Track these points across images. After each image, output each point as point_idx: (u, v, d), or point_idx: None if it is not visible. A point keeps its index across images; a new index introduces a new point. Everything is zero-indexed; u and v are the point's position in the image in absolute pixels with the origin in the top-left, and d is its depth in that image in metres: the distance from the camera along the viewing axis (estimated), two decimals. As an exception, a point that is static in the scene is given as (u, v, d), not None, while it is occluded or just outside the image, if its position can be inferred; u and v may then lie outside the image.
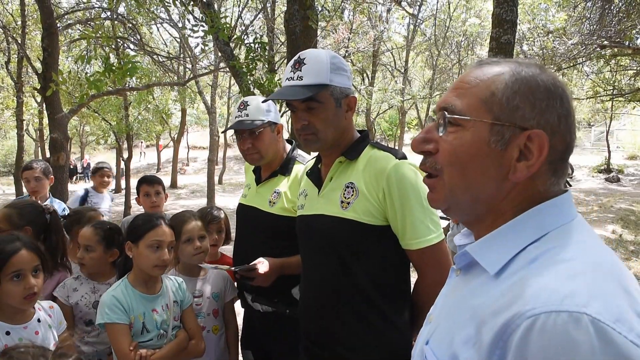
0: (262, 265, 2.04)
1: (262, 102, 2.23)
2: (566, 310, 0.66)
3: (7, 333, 1.78)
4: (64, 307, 2.26)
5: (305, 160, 2.30)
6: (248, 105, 2.26)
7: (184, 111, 22.03)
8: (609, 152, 19.87)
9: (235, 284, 2.48)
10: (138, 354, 1.94)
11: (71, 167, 22.65)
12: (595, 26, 10.92)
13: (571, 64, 13.07)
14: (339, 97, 1.74)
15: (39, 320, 1.90)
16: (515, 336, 0.68)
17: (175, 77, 14.53)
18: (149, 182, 3.55)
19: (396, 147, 1.89)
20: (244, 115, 2.25)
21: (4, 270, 1.76)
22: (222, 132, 2.54)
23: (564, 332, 0.65)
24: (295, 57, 1.77)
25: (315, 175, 1.90)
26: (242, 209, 2.42)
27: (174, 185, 20.92)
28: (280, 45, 13.18)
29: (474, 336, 0.77)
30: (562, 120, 0.83)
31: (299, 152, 2.39)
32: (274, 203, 2.23)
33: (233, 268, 2.12)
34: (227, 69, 8.99)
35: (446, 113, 0.88)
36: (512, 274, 0.79)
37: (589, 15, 11.29)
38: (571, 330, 0.65)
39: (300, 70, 1.70)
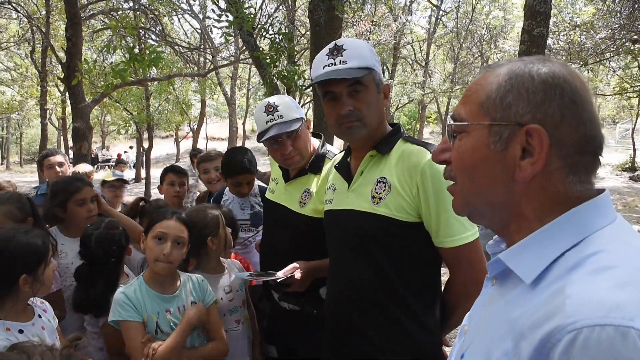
0: (298, 270, 1.98)
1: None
2: (611, 324, 0.61)
3: (21, 331, 1.78)
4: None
5: (334, 156, 2.21)
6: (277, 106, 2.13)
7: (203, 102, 22.17)
8: (634, 150, 19.43)
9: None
10: (149, 348, 1.88)
11: (92, 156, 22.95)
12: (624, 20, 10.63)
13: (598, 59, 12.75)
14: (379, 83, 1.70)
15: (40, 316, 1.90)
16: (555, 351, 0.64)
17: (196, 68, 14.59)
18: (176, 172, 3.52)
19: (425, 141, 1.81)
20: (278, 118, 2.11)
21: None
22: (259, 142, 2.26)
23: (610, 347, 0.60)
24: (330, 45, 1.72)
25: (345, 169, 1.85)
26: (270, 206, 2.36)
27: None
28: (301, 37, 13.15)
29: (511, 351, 0.73)
30: (565, 112, 0.79)
31: (328, 147, 2.30)
32: (304, 203, 2.15)
33: (273, 278, 1.96)
34: (249, 61, 8.97)
35: (450, 122, 0.91)
36: (551, 283, 0.74)
37: (618, 9, 11.00)
38: (617, 345, 0.60)
39: (342, 56, 1.66)
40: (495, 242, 0.97)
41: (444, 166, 1.63)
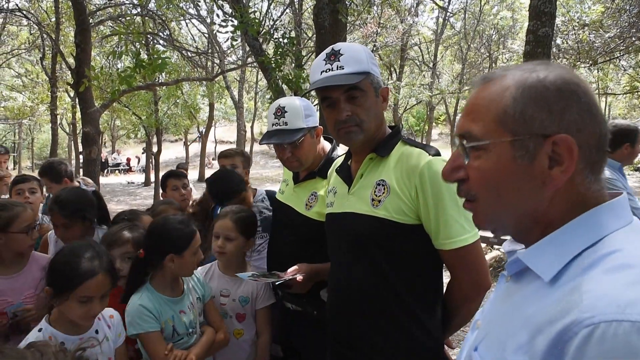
0: (299, 273, 1.99)
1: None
2: (628, 319, 0.63)
3: (62, 344, 1.68)
4: None
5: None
6: (286, 111, 2.13)
7: (211, 106, 22.28)
8: (646, 149, 19.17)
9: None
10: (173, 356, 1.94)
11: (102, 160, 23.15)
12: (634, 18, 10.54)
13: (607, 58, 12.63)
14: (377, 86, 1.71)
15: (96, 332, 1.83)
16: (572, 345, 0.66)
17: (204, 72, 14.68)
18: (176, 176, 3.56)
19: (424, 143, 1.82)
20: (282, 124, 2.13)
21: (75, 292, 1.69)
22: (260, 144, 2.34)
23: (626, 342, 0.62)
24: (328, 50, 1.72)
25: (345, 172, 1.85)
26: (279, 206, 2.38)
27: (201, 179, 21.20)
28: (307, 40, 13.19)
29: (525, 344, 0.75)
30: (584, 115, 0.81)
31: (339, 152, 2.29)
32: (310, 206, 2.17)
33: (274, 279, 1.99)
34: (255, 64, 9.01)
35: (465, 142, 0.89)
36: (568, 280, 0.76)
37: (627, 7, 10.90)
38: (634, 340, 0.62)
39: (339, 61, 1.66)
40: (510, 242, 0.98)
41: (442, 161, 1.61)
